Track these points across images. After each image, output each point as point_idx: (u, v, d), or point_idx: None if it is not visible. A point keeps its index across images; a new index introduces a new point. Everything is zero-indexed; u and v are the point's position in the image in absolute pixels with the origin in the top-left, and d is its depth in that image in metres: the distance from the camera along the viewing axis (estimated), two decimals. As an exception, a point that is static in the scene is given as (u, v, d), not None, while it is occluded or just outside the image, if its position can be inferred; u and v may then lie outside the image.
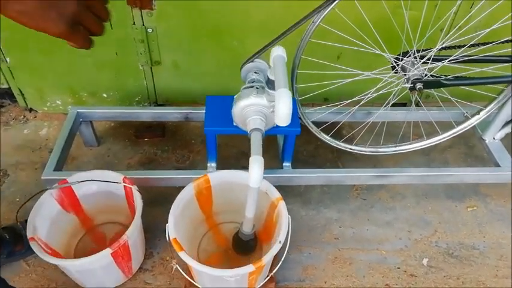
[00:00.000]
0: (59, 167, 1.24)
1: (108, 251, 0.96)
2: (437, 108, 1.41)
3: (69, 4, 0.46)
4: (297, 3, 1.28)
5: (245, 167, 1.52)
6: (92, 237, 1.21)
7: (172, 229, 0.92)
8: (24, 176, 1.43)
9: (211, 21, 1.36)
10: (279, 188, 1.23)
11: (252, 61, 1.07)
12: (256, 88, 0.99)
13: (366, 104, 1.24)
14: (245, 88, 1.03)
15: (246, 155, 1.52)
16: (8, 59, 1.43)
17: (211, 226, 1.16)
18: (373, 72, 1.14)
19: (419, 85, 1.10)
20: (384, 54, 1.10)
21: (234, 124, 1.05)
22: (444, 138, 1.34)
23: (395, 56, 1.16)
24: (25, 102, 1.58)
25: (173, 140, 1.57)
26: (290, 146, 1.20)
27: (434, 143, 1.36)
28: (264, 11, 1.33)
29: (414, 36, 1.08)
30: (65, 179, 1.10)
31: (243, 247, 1.07)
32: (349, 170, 1.27)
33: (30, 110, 1.62)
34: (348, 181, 1.28)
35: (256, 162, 0.88)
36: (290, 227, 0.97)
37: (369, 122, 1.39)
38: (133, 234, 1.03)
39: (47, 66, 1.46)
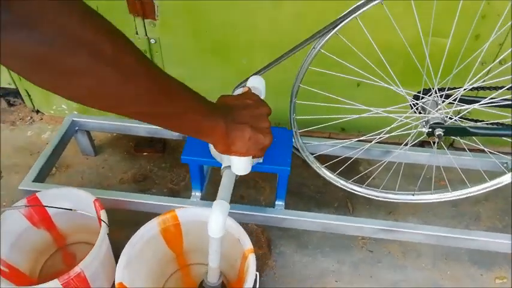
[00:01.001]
0: (40, 177, 1.18)
1: (55, 283, 0.87)
2: (469, 154, 1.19)
3: (265, 125, 0.65)
4: (310, 19, 1.13)
5: (243, 197, 1.40)
6: (62, 256, 1.14)
7: (121, 271, 0.81)
8: (17, 179, 1.38)
9: (218, 35, 1.25)
10: (271, 227, 1.09)
11: (243, 85, 0.94)
12: (238, 119, 0.85)
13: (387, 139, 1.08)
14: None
15: (248, 182, 1.39)
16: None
17: (182, 266, 1.04)
18: (384, 110, 0.97)
19: (439, 131, 0.91)
20: (396, 89, 0.92)
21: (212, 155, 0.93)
22: (473, 193, 1.12)
23: (415, 93, 0.98)
24: (32, 103, 1.56)
25: (172, 157, 1.47)
26: (283, 185, 1.05)
27: (460, 197, 1.15)
28: (275, 27, 1.20)
29: (436, 71, 0.90)
30: (34, 194, 1.03)
31: (208, 298, 0.94)
32: (350, 219, 1.09)
33: (37, 111, 1.60)
34: (349, 231, 1.11)
35: (219, 208, 0.74)
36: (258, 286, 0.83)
37: (385, 161, 1.20)
38: (92, 265, 0.94)
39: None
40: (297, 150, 1.09)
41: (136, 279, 0.87)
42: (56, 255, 1.14)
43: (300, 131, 1.09)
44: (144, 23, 1.25)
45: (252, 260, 0.83)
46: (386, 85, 0.92)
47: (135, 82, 0.45)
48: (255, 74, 0.95)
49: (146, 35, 1.27)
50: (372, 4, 0.77)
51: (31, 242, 1.06)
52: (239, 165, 0.72)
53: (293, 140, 1.06)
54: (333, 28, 0.82)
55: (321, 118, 1.02)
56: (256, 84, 0.78)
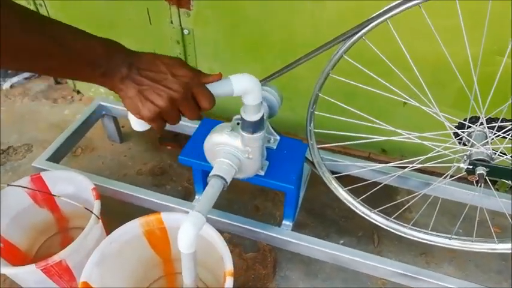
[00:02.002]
0: (57, 157, 1.18)
1: (32, 267, 0.84)
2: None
3: (159, 102, 0.58)
4: (352, 21, 1.00)
5: (259, 208, 1.30)
6: (61, 239, 1.12)
7: (89, 269, 0.75)
8: (45, 155, 1.42)
9: (253, 32, 1.16)
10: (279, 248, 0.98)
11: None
12: (237, 124, 0.76)
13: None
14: (234, 119, 0.81)
15: (267, 194, 1.29)
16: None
17: (168, 273, 0.96)
18: (419, 136, 0.81)
19: (480, 170, 0.74)
20: (431, 111, 0.76)
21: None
22: (524, 250, 0.91)
23: (460, 121, 0.81)
24: (74, 83, 1.60)
25: (194, 155, 1.41)
26: (290, 203, 0.93)
27: (508, 252, 0.94)
28: (315, 28, 1.08)
29: (487, 97, 0.72)
30: (38, 174, 1.02)
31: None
32: (366, 256, 0.94)
33: (78, 92, 1.63)
34: (363, 269, 0.96)
35: (191, 221, 0.66)
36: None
37: (420, 193, 1.02)
38: (77, 256, 0.90)
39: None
40: (314, 166, 0.96)
41: (108, 280, 0.81)
42: (55, 237, 1.12)
43: (324, 146, 0.96)
44: (178, 12, 1.19)
45: (228, 283, 0.73)
46: (421, 106, 0.76)
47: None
48: (271, 76, 0.85)
49: (180, 25, 1.22)
50: (405, 6, 0.63)
51: (32, 220, 1.06)
52: (131, 118, 0.64)
53: (309, 155, 0.94)
54: (358, 31, 0.69)
55: (346, 135, 0.89)
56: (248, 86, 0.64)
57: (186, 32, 1.23)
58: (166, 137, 1.44)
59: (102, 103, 1.31)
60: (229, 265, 0.75)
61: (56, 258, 0.85)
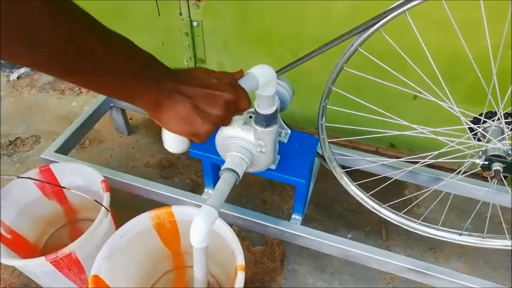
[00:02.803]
0: (65, 149, 1.17)
1: (42, 260, 0.84)
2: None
3: (217, 109, 0.52)
4: (363, 15, 0.98)
5: (266, 202, 1.29)
6: (69, 230, 1.12)
7: (99, 263, 0.75)
8: (52, 147, 1.42)
9: (262, 26, 1.14)
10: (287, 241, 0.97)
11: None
12: (250, 117, 0.75)
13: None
14: (246, 113, 0.80)
15: (274, 187, 1.28)
16: (67, 30, 1.43)
17: (177, 266, 0.96)
18: (433, 130, 0.80)
19: (497, 166, 0.73)
20: (448, 106, 0.75)
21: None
22: (536, 247, 0.91)
23: (476, 116, 0.79)
24: (81, 75, 1.59)
25: (202, 148, 1.40)
26: (300, 197, 0.93)
27: (519, 249, 0.93)
28: (326, 21, 1.06)
29: (503, 92, 0.71)
30: (47, 165, 1.02)
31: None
32: (376, 251, 0.94)
33: (85, 83, 1.62)
34: (372, 264, 0.95)
35: (203, 215, 0.65)
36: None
37: (431, 189, 1.01)
38: (86, 248, 0.90)
39: (100, 43, 1.42)
40: (325, 160, 0.95)
41: (118, 273, 0.81)
42: (64, 228, 1.12)
43: (336, 140, 0.96)
44: (188, 4, 1.18)
45: (239, 279, 0.72)
46: (437, 100, 0.75)
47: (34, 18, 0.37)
48: (283, 69, 0.84)
49: (189, 16, 1.21)
50: (424, -2, 0.62)
51: (40, 212, 1.05)
52: (168, 139, 0.60)
53: (320, 149, 0.93)
54: (375, 24, 0.67)
55: (358, 129, 0.88)
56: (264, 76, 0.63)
57: (195, 24, 1.21)
58: (173, 130, 1.44)
59: (110, 95, 1.30)
60: (240, 260, 0.75)
61: (65, 250, 0.85)
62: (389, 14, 0.66)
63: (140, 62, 0.49)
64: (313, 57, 0.79)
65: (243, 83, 0.58)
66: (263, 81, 0.60)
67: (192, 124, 0.52)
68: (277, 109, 0.68)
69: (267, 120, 0.68)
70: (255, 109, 0.68)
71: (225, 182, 0.71)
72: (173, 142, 0.60)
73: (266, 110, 0.66)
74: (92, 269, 0.75)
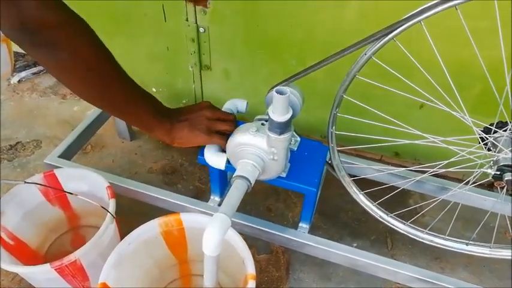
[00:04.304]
0: (68, 154, 1.16)
1: (47, 267, 0.82)
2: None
3: (203, 122, 0.80)
4: (377, 22, 0.99)
5: (270, 209, 1.28)
6: (72, 237, 1.11)
7: (107, 270, 0.74)
8: (54, 152, 1.40)
9: (270, 33, 1.14)
10: (292, 250, 0.97)
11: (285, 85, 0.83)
12: (262, 124, 0.74)
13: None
14: (256, 120, 0.80)
15: (278, 195, 1.28)
16: (71, 34, 1.42)
17: (184, 274, 0.95)
18: (444, 140, 0.80)
19: (509, 176, 0.73)
20: (461, 116, 0.75)
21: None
22: (544, 258, 0.90)
23: (487, 126, 0.80)
24: (83, 79, 1.58)
25: (206, 154, 1.39)
26: (309, 206, 0.92)
27: (527, 259, 0.93)
28: (335, 28, 1.06)
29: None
30: (52, 171, 1.00)
31: (202, 317, 0.83)
32: (383, 260, 0.93)
33: (87, 88, 1.61)
34: (380, 273, 0.95)
35: (217, 223, 0.64)
36: (253, 319, 0.71)
37: (438, 199, 1.01)
38: (90, 255, 0.88)
39: (104, 48, 1.41)
40: (333, 169, 0.95)
41: (125, 281, 0.79)
42: (67, 235, 1.11)
43: (342, 148, 0.95)
44: (195, 10, 1.18)
45: (251, 287, 0.71)
46: (449, 110, 0.75)
47: (107, 85, 0.69)
48: (294, 76, 0.84)
49: (196, 22, 1.20)
50: (443, 7, 0.62)
51: (43, 218, 1.04)
52: (211, 161, 0.85)
53: (329, 157, 0.93)
54: (390, 32, 0.67)
55: (367, 137, 0.88)
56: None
57: (201, 30, 1.21)
58: (177, 136, 1.43)
59: (114, 100, 1.29)
60: (251, 268, 0.74)
61: (71, 257, 0.83)
62: (404, 24, 0.66)
63: (156, 105, 0.80)
64: (326, 65, 0.78)
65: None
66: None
67: (194, 136, 0.80)
68: (291, 116, 0.67)
69: (281, 128, 0.68)
70: (269, 116, 0.68)
71: (237, 190, 0.70)
72: (214, 160, 0.84)
73: (281, 117, 0.66)
74: (100, 277, 0.74)
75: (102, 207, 0.90)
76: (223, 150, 0.83)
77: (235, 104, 0.93)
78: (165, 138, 0.79)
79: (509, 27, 0.75)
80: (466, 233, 1.18)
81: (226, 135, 0.80)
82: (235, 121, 0.84)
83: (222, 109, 0.92)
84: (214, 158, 0.83)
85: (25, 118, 1.51)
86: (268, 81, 1.22)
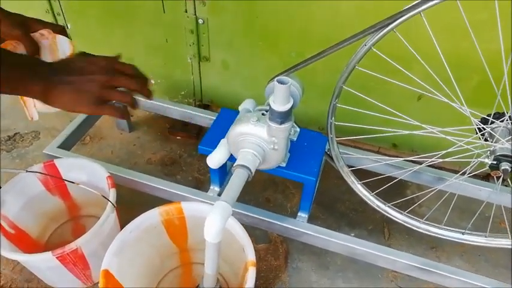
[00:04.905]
0: (67, 145, 1.16)
1: (48, 255, 0.83)
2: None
3: (92, 88, 0.63)
4: (376, 13, 0.99)
5: (269, 200, 1.29)
6: (72, 226, 1.11)
7: (109, 258, 0.75)
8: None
9: (269, 25, 1.15)
10: (293, 238, 0.98)
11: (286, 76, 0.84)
12: (262, 114, 0.75)
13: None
14: (256, 110, 0.81)
15: (277, 186, 1.29)
16: (69, 25, 1.42)
17: (184, 263, 0.96)
18: (442, 130, 0.81)
19: (505, 165, 0.74)
20: (459, 107, 0.76)
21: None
22: (538, 246, 0.92)
23: (484, 116, 0.81)
24: (81, 70, 1.57)
25: (204, 146, 1.40)
26: (308, 195, 0.93)
27: (521, 248, 0.95)
28: (334, 19, 1.07)
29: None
30: (52, 160, 1.01)
31: (203, 304, 0.85)
32: (381, 248, 0.95)
33: (85, 79, 1.61)
34: (378, 261, 0.96)
35: (219, 211, 0.65)
36: (254, 305, 0.73)
37: (435, 189, 1.03)
38: (92, 244, 0.89)
39: (103, 39, 1.41)
40: (332, 159, 0.96)
41: (127, 269, 0.80)
42: (66, 224, 1.11)
43: (343, 138, 0.96)
44: (194, 1, 1.18)
45: (251, 274, 0.73)
46: (447, 101, 0.76)
47: None
48: (295, 67, 0.84)
49: (195, 14, 1.20)
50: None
51: (44, 207, 1.04)
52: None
53: (328, 148, 0.94)
54: (390, 23, 0.68)
55: (365, 128, 0.89)
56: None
57: (200, 21, 1.21)
58: (175, 127, 1.43)
59: (113, 91, 1.29)
60: (251, 256, 0.75)
61: (72, 245, 0.84)
62: (405, 14, 0.67)
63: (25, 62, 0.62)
64: (326, 55, 0.79)
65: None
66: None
67: (75, 102, 0.63)
68: (292, 106, 0.68)
69: (282, 117, 0.68)
70: (269, 106, 0.68)
71: (238, 178, 0.71)
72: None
73: (282, 106, 0.67)
74: (102, 264, 0.74)
75: (103, 196, 0.91)
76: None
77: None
78: (41, 100, 0.63)
79: (507, 20, 0.75)
80: (461, 223, 1.19)
81: (122, 105, 0.68)
82: (142, 84, 0.70)
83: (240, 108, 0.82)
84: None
85: (23, 109, 1.50)
86: (267, 73, 1.23)
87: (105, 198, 0.90)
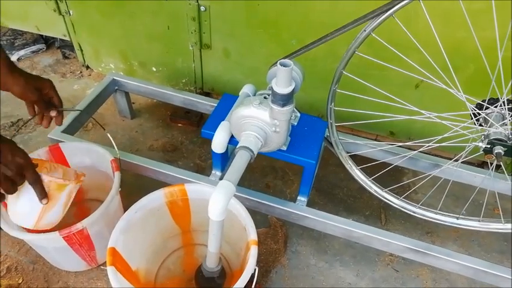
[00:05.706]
0: (71, 129, 1.18)
1: (55, 234, 0.85)
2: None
3: None
4: (371, 6, 1.01)
5: (269, 186, 1.32)
6: (77, 210, 1.13)
7: (116, 236, 0.77)
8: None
9: (270, 12, 1.17)
10: (292, 223, 1.00)
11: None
12: (264, 98, 0.77)
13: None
14: (258, 94, 0.83)
15: (276, 172, 1.31)
16: (71, 12, 1.43)
17: (186, 243, 0.98)
18: (438, 115, 0.84)
19: (498, 149, 0.77)
20: (456, 93, 0.79)
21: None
22: (530, 229, 0.95)
23: (479, 102, 0.83)
24: (83, 58, 1.59)
25: (205, 133, 1.42)
26: (308, 179, 0.96)
27: (513, 231, 0.98)
28: (334, 8, 1.09)
29: (506, 80, 0.75)
30: (57, 144, 1.03)
31: (205, 284, 0.87)
32: (378, 231, 0.97)
33: (87, 67, 1.62)
34: (374, 244, 0.99)
35: (222, 190, 0.67)
36: (255, 280, 0.75)
37: (430, 175, 1.06)
38: (97, 224, 0.92)
39: (104, 27, 1.43)
40: (331, 145, 0.99)
41: (132, 247, 0.83)
42: (71, 208, 1.12)
43: (340, 124, 0.99)
44: (196, -12, 1.19)
45: (253, 252, 0.75)
46: (445, 86, 0.79)
47: None
48: (296, 52, 0.86)
49: (197, 1, 1.22)
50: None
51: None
52: None
53: (327, 133, 0.96)
54: (389, 9, 0.70)
55: (364, 114, 0.91)
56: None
57: (202, 8, 1.23)
58: (177, 115, 1.45)
59: (116, 78, 1.31)
60: (253, 235, 0.78)
61: (79, 226, 0.87)
62: (403, 0, 0.69)
63: None
64: (326, 41, 0.81)
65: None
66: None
67: None
68: (294, 89, 0.70)
69: (284, 100, 0.71)
70: (272, 89, 0.71)
71: (241, 159, 0.74)
72: None
73: (284, 89, 0.69)
74: (109, 242, 0.77)
75: (116, 185, 0.92)
76: None
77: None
78: None
79: (502, 8, 0.78)
80: (456, 209, 1.22)
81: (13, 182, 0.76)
82: (31, 172, 0.80)
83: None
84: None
85: (25, 96, 1.51)
86: (268, 60, 1.25)
87: (118, 188, 0.92)
